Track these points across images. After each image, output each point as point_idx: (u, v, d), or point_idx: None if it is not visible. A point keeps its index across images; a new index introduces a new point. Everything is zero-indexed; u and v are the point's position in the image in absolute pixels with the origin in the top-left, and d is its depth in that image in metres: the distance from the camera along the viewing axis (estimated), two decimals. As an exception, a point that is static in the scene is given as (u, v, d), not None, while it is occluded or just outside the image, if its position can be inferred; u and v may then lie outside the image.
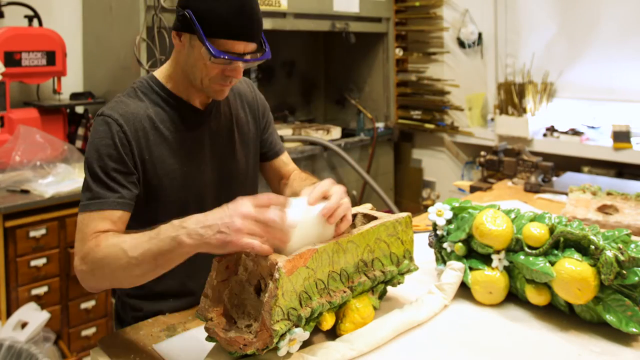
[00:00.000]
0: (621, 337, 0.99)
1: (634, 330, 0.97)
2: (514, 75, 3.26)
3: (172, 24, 1.16)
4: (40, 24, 2.61)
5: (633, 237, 1.05)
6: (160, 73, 1.23)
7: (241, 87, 1.37)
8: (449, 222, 1.21)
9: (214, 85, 1.15)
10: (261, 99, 1.41)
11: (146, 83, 1.21)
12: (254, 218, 0.87)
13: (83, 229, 1.06)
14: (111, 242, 0.99)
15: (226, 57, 1.07)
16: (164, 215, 1.00)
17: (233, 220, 0.86)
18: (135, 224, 1.10)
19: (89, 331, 2.41)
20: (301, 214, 0.93)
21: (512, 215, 1.17)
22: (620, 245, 0.99)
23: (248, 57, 1.11)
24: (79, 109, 2.74)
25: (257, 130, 1.37)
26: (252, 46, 1.12)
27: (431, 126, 3.56)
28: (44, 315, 2.16)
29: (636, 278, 0.97)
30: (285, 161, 1.44)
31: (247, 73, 3.43)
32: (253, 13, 1.10)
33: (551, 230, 1.08)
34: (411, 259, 1.14)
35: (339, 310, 1.00)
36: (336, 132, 3.38)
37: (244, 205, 0.88)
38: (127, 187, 1.11)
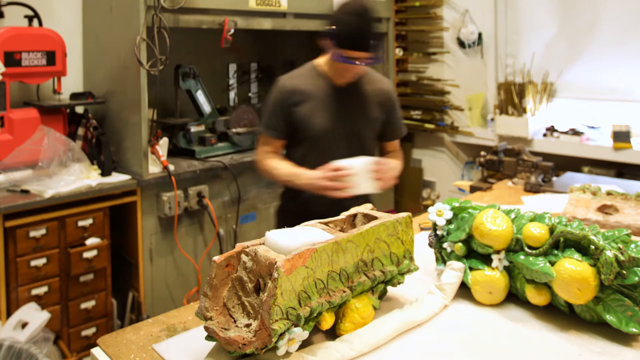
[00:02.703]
0: (621, 337, 0.99)
1: (634, 330, 0.97)
2: (514, 75, 3.26)
3: (321, 32, 1.78)
4: (40, 24, 2.61)
5: (633, 237, 1.05)
6: (317, 60, 1.90)
7: (383, 85, 1.94)
8: (449, 222, 1.21)
9: (341, 74, 1.81)
10: (392, 97, 1.96)
11: (308, 65, 1.91)
12: (325, 177, 1.65)
13: (259, 143, 1.92)
14: (269, 166, 1.85)
15: (342, 61, 1.70)
16: (308, 148, 1.85)
17: (318, 181, 1.67)
18: (290, 150, 1.91)
19: (89, 331, 2.41)
20: (358, 167, 1.64)
21: (512, 215, 1.17)
22: (620, 245, 0.99)
23: (364, 61, 1.70)
24: (79, 109, 2.74)
25: (383, 116, 1.93)
26: (365, 54, 1.69)
27: (431, 126, 3.56)
28: (44, 315, 2.16)
29: (636, 278, 0.97)
30: (392, 144, 2.05)
31: (247, 73, 3.45)
32: (366, 34, 1.68)
33: (551, 230, 1.08)
34: (411, 259, 1.14)
35: (339, 310, 1.00)
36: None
37: (317, 173, 1.68)
38: (283, 125, 1.84)
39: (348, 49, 1.68)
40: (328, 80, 1.86)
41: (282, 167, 1.81)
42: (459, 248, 1.16)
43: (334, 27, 1.69)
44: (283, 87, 1.85)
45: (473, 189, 2.16)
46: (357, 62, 1.70)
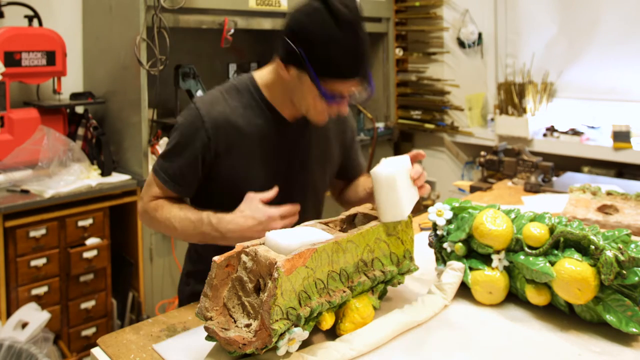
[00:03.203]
0: (621, 337, 0.99)
1: (634, 330, 0.97)
2: (514, 75, 3.25)
3: (280, 52, 1.18)
4: (40, 24, 2.61)
5: (633, 237, 1.05)
6: (260, 79, 1.30)
7: None
8: (449, 222, 1.21)
9: (319, 115, 1.23)
10: (352, 125, 1.47)
11: (245, 83, 1.29)
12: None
13: (149, 184, 1.29)
14: (166, 216, 1.23)
15: (337, 100, 1.15)
16: (220, 203, 1.23)
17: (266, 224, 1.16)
18: (196, 199, 1.33)
19: (89, 331, 2.41)
20: (396, 169, 1.05)
21: (512, 215, 1.17)
22: (620, 245, 0.99)
23: (356, 94, 1.19)
24: (79, 109, 2.74)
25: (342, 153, 1.44)
26: (358, 83, 1.18)
27: (431, 126, 3.56)
28: (44, 315, 2.16)
29: (636, 278, 0.97)
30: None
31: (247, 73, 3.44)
32: (364, 54, 1.14)
33: (551, 230, 1.08)
34: (411, 259, 1.14)
35: (339, 310, 1.00)
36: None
37: (263, 211, 1.16)
38: (188, 178, 1.26)
39: (339, 79, 1.13)
40: (273, 111, 1.28)
41: (186, 217, 1.22)
42: (459, 248, 1.16)
43: (312, 48, 1.11)
44: (202, 117, 1.23)
45: (473, 189, 2.16)
46: (353, 97, 1.19)
